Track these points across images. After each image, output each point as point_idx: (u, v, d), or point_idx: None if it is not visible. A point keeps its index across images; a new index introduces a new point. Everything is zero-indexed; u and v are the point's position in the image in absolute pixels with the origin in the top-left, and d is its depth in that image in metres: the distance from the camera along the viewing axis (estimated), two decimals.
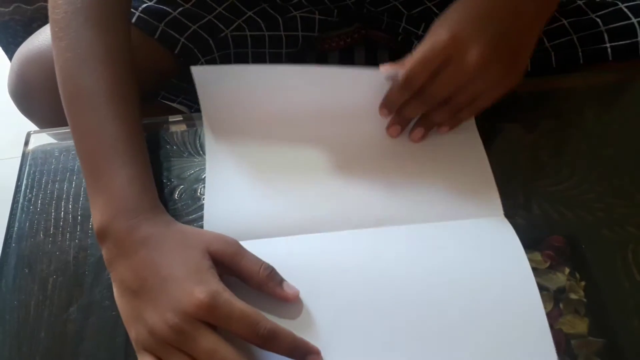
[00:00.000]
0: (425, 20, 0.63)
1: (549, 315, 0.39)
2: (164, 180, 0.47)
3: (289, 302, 0.38)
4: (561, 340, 0.38)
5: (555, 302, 0.40)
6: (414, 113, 0.46)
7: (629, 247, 0.42)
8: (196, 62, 0.60)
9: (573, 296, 0.40)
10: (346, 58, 0.70)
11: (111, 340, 0.39)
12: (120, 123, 0.42)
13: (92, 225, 0.44)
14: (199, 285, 0.35)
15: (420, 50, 0.41)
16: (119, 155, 0.41)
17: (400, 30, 0.64)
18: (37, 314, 0.41)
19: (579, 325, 0.39)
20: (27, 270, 0.43)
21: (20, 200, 0.47)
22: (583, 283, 0.41)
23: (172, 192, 0.47)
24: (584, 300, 0.40)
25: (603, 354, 0.38)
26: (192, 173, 0.47)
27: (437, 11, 0.61)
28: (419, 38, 0.64)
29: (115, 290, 0.39)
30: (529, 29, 0.43)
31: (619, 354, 0.38)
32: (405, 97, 0.44)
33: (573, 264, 0.41)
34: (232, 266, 0.38)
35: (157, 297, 0.36)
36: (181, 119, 0.52)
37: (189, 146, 0.49)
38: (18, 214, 0.46)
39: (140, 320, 0.37)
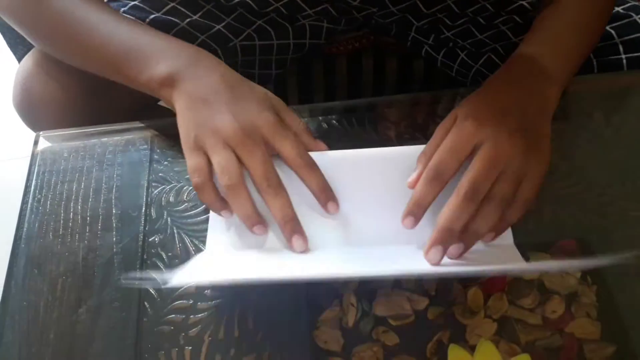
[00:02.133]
0: (435, 32, 0.63)
1: (560, 319, 0.39)
2: (173, 181, 0.47)
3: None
4: (573, 345, 0.38)
5: (566, 306, 0.40)
6: (455, 221, 0.38)
7: None
8: None
9: (585, 300, 0.40)
10: (354, 63, 0.70)
11: (120, 342, 0.39)
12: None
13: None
14: (269, 110, 0.43)
15: (446, 140, 0.40)
16: (139, 26, 0.48)
17: (409, 39, 0.64)
18: (47, 314, 0.41)
19: (591, 330, 0.39)
20: (36, 271, 0.43)
21: (30, 201, 0.47)
22: (595, 287, 0.40)
23: (179, 193, 0.46)
24: (596, 304, 0.40)
25: (616, 358, 0.37)
26: None
27: (448, 22, 0.61)
28: (429, 46, 0.64)
29: (180, 105, 0.44)
30: (547, 120, 0.43)
31: (632, 359, 0.37)
32: (436, 192, 0.40)
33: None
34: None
35: (230, 106, 0.42)
36: None
37: None
38: (27, 215, 0.46)
39: (206, 123, 0.42)
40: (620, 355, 0.38)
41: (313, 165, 0.42)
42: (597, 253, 0.42)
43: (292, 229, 0.41)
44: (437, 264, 0.38)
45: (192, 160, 0.42)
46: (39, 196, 0.47)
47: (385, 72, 0.70)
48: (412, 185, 0.41)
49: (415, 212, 0.40)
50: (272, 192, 0.41)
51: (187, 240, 0.44)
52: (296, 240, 0.41)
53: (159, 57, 0.45)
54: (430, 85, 0.71)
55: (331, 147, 0.45)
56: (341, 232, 0.43)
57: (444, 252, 0.38)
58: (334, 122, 0.51)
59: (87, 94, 0.50)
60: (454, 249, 0.39)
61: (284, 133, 0.42)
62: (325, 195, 0.42)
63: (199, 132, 0.42)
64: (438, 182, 0.40)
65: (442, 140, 0.41)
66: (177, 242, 0.44)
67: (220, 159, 0.41)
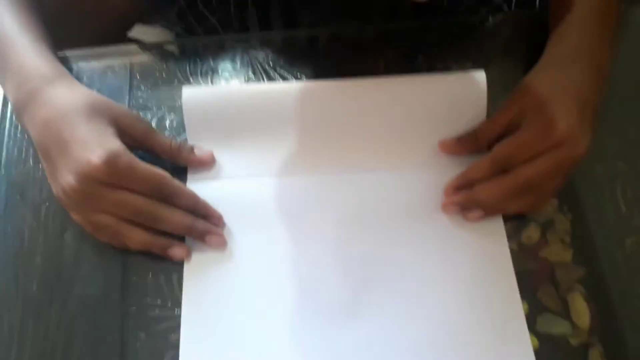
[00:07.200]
0: None
1: (536, 245, 0.41)
2: (154, 108, 0.46)
3: (206, 165, 0.42)
4: (546, 269, 0.40)
5: (542, 232, 0.41)
6: (491, 199, 0.40)
7: (618, 181, 0.43)
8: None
9: (560, 227, 0.41)
10: None
11: (107, 264, 0.40)
12: (7, 13, 0.42)
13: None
14: (98, 148, 0.36)
15: (526, 132, 0.39)
16: (9, 36, 0.41)
17: None
18: (32, 240, 0.41)
19: (564, 255, 0.40)
20: (19, 197, 0.42)
21: (7, 126, 0.45)
22: (570, 215, 0.42)
23: (161, 120, 0.46)
24: (570, 231, 0.41)
25: (584, 280, 0.39)
26: None
27: None
28: None
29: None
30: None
31: (599, 280, 0.39)
32: (490, 175, 0.40)
33: (562, 197, 0.42)
34: (145, 141, 0.41)
35: (60, 159, 0.37)
36: (170, 45, 0.51)
37: (179, 73, 0.48)
38: (5, 140, 0.45)
39: (54, 180, 0.38)
40: (588, 277, 0.40)
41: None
42: (576, 183, 0.43)
43: (200, 234, 0.39)
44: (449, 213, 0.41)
45: (82, 220, 0.39)
46: (17, 121, 0.45)
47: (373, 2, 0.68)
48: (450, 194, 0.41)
49: (456, 193, 0.41)
50: (153, 219, 0.38)
51: (169, 165, 0.44)
52: (210, 239, 0.39)
53: (12, 82, 0.40)
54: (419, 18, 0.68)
55: (317, 76, 0.44)
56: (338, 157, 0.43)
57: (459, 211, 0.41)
58: (318, 49, 0.50)
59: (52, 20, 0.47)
60: (475, 214, 0.40)
61: (118, 176, 0.37)
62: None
63: (56, 190, 0.39)
64: (497, 169, 0.39)
65: (506, 124, 0.40)
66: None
67: (97, 222, 0.38)
